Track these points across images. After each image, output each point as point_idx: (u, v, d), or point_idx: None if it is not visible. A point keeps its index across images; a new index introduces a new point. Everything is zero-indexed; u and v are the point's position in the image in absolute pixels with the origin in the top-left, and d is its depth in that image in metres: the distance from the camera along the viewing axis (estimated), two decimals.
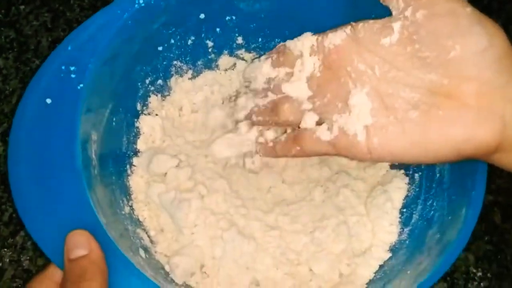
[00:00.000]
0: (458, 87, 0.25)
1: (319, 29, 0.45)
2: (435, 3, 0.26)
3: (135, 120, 0.42)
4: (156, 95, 0.43)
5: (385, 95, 0.28)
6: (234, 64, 0.47)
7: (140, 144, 0.42)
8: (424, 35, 0.26)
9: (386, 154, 0.27)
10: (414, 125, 0.26)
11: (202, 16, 0.42)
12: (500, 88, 0.24)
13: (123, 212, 0.37)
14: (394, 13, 0.29)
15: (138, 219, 0.38)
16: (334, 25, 0.43)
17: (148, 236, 0.38)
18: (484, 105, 0.25)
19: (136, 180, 0.40)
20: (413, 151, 0.27)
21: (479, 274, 0.42)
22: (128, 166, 0.40)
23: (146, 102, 0.43)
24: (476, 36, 0.25)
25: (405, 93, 0.27)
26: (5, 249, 0.39)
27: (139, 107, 0.42)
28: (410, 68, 0.27)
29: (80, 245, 0.29)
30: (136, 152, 0.42)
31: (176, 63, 0.44)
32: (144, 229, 0.38)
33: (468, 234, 0.32)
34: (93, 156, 0.35)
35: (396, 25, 0.28)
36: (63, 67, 0.34)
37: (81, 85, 0.34)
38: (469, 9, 0.26)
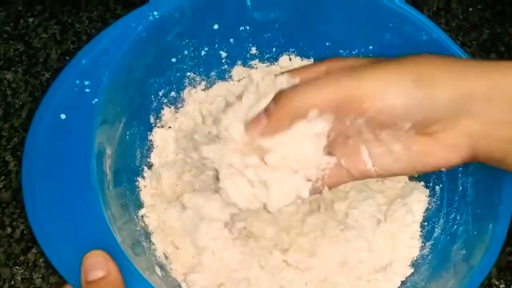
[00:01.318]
0: (428, 128, 0.29)
1: (333, 39, 0.44)
2: None
3: (148, 133, 0.41)
4: (169, 107, 0.43)
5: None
6: (247, 74, 0.46)
7: (154, 158, 0.41)
8: None
9: (390, 174, 0.31)
10: (399, 155, 0.30)
11: (216, 26, 0.41)
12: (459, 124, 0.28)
13: (137, 229, 0.36)
14: None
15: (153, 235, 0.38)
16: (348, 36, 0.43)
17: (163, 253, 0.37)
18: (450, 141, 0.29)
19: (150, 196, 0.39)
20: (407, 171, 0.32)
21: (502, 286, 0.41)
22: (141, 181, 0.39)
23: (159, 115, 0.42)
24: None
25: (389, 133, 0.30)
26: (17, 267, 0.38)
27: (152, 119, 0.41)
28: None
29: (98, 266, 0.28)
30: (149, 166, 0.41)
31: (190, 74, 0.43)
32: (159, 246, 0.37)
33: (497, 252, 0.30)
34: (108, 171, 0.34)
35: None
36: (77, 82, 0.33)
37: (96, 99, 0.33)
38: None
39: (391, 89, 0.28)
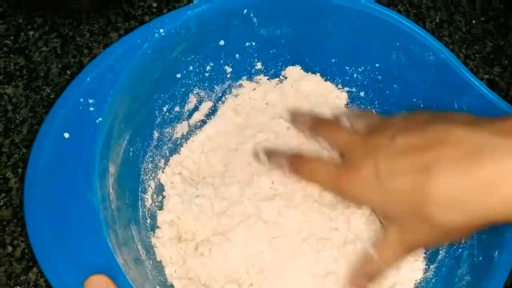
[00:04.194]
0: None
1: (339, 56, 0.44)
2: None
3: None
4: (173, 122, 0.42)
5: None
6: (253, 89, 0.45)
7: (160, 174, 0.41)
8: None
9: None
10: None
11: (221, 42, 0.41)
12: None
13: (139, 248, 0.36)
14: None
15: (160, 261, 0.37)
16: (354, 53, 0.42)
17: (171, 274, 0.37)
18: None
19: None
20: None
21: None
22: (145, 198, 0.39)
23: (163, 130, 0.42)
24: None
25: None
26: (18, 287, 0.38)
27: (156, 135, 0.41)
28: None
29: None
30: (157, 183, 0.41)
31: (194, 89, 0.43)
32: (165, 271, 0.37)
33: (503, 281, 0.30)
34: (111, 190, 0.34)
35: None
36: (81, 100, 0.33)
37: (100, 118, 0.32)
38: None
39: None
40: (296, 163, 0.37)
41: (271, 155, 0.39)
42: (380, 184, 0.31)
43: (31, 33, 0.48)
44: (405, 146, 0.31)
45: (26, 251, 0.39)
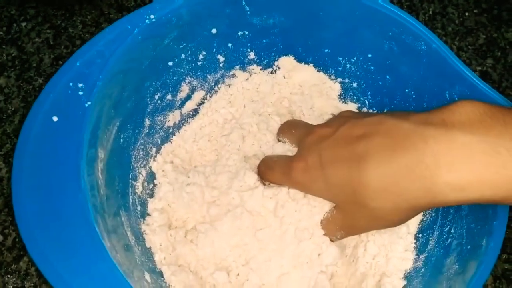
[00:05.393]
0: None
1: (332, 46, 0.44)
2: None
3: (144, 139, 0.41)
4: (165, 110, 0.42)
5: None
6: (246, 79, 0.45)
7: (152, 162, 0.41)
8: None
9: None
10: None
11: (214, 31, 0.41)
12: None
13: (128, 233, 0.36)
14: None
15: (150, 248, 0.37)
16: (347, 44, 0.42)
17: (160, 260, 0.37)
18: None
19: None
20: None
21: None
22: (135, 186, 0.39)
23: (155, 118, 0.42)
24: None
25: None
26: (9, 275, 0.38)
27: (147, 123, 0.41)
28: None
29: None
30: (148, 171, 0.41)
31: (187, 78, 0.43)
32: (154, 258, 0.37)
33: (489, 268, 0.30)
34: (100, 175, 0.34)
35: None
36: (70, 84, 0.33)
37: (89, 102, 0.32)
38: None
39: None
40: (259, 166, 0.39)
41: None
42: (323, 172, 0.32)
43: (23, 24, 0.48)
44: (345, 136, 0.32)
45: (17, 240, 0.39)
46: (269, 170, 0.38)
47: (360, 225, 0.34)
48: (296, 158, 0.36)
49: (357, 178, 0.30)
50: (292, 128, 0.40)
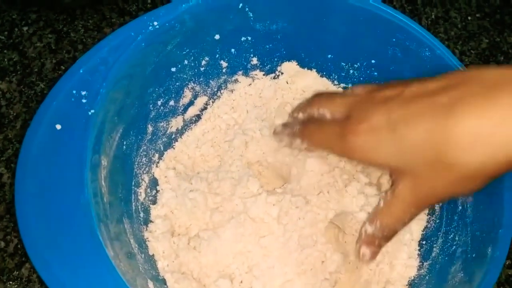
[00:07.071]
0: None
1: (335, 52, 0.44)
2: None
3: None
4: (168, 116, 0.42)
5: None
6: (249, 85, 0.45)
7: (154, 169, 0.41)
8: None
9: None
10: None
11: (217, 37, 0.41)
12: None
13: (131, 241, 0.36)
14: None
15: (153, 255, 0.37)
16: (350, 49, 0.42)
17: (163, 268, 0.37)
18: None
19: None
20: None
21: None
22: (138, 193, 0.39)
23: (157, 124, 0.41)
24: None
25: None
26: (11, 282, 0.37)
27: (150, 129, 0.41)
28: None
29: None
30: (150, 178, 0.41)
31: (189, 83, 0.42)
32: (157, 265, 0.37)
33: (495, 277, 0.30)
34: (103, 183, 0.33)
35: None
36: (74, 92, 0.33)
37: (92, 110, 0.32)
38: None
39: None
40: (304, 129, 0.34)
41: (286, 127, 0.36)
42: (393, 133, 0.28)
43: (25, 28, 0.48)
44: (418, 93, 0.28)
45: (19, 246, 0.39)
46: (319, 130, 0.33)
47: (438, 192, 0.29)
48: (354, 120, 0.30)
49: (443, 133, 0.26)
50: (332, 97, 0.34)
